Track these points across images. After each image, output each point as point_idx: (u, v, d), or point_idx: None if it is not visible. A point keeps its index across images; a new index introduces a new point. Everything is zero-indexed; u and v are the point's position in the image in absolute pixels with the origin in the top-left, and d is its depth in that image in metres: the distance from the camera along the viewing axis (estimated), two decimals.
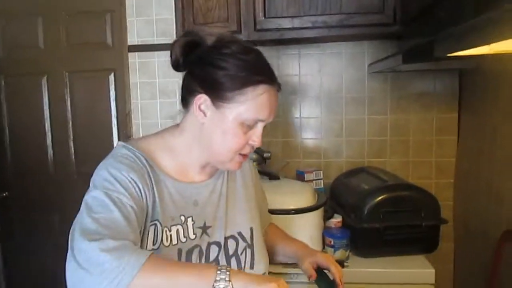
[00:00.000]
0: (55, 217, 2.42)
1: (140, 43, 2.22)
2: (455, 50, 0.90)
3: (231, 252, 0.99)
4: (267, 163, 2.00)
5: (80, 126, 2.37)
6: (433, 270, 1.58)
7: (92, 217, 0.81)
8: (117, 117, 2.32)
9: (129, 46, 2.23)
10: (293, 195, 1.63)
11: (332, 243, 1.62)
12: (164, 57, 2.21)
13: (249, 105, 0.89)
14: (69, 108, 2.37)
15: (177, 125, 1.01)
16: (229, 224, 1.01)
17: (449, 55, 0.96)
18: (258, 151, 1.98)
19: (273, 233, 1.26)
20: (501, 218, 1.62)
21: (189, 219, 0.96)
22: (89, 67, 2.31)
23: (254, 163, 1.90)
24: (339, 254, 1.62)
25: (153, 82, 2.24)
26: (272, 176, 1.78)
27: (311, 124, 2.16)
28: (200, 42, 0.94)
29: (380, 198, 1.63)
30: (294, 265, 1.58)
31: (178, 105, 1.03)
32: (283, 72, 2.14)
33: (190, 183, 0.99)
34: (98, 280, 0.73)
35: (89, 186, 0.92)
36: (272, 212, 1.54)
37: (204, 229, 0.97)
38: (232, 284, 0.76)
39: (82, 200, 0.89)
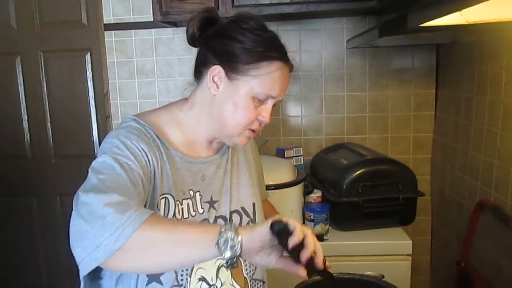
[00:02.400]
0: (33, 201, 2.39)
1: (116, 21, 2.17)
2: (427, 19, 0.91)
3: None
4: None
5: (57, 107, 2.33)
6: (410, 241, 1.62)
7: (98, 178, 0.80)
8: (95, 98, 2.29)
9: (105, 24, 2.18)
10: (272, 171, 1.64)
11: (311, 217, 1.64)
12: (141, 35, 2.17)
13: (263, 80, 0.90)
14: (45, 89, 2.32)
15: (186, 99, 1.02)
16: (233, 199, 1.03)
17: (422, 25, 0.96)
18: None
19: (266, 208, 1.26)
20: (476, 189, 1.66)
21: (197, 194, 0.98)
22: (65, 47, 2.26)
23: None
24: (319, 228, 1.64)
25: (131, 61, 2.20)
26: None
27: (291, 102, 2.17)
28: (218, 18, 0.97)
29: (358, 172, 1.66)
30: None
31: (186, 80, 1.04)
32: None
33: (197, 158, 1.00)
34: (100, 232, 0.71)
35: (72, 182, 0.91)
36: None
37: (212, 203, 0.99)
38: (239, 236, 0.71)
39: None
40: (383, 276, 1.58)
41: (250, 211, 1.05)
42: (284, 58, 0.94)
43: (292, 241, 0.71)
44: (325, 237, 1.63)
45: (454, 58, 1.91)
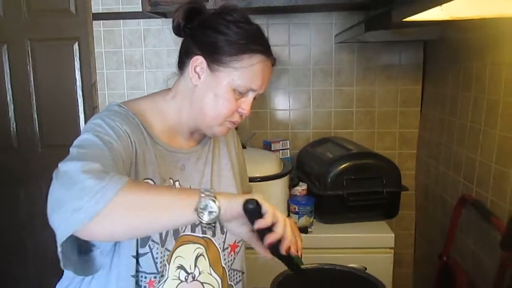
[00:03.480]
0: (20, 191, 2.38)
1: (104, 11, 2.15)
2: (410, 14, 0.92)
3: None
4: None
5: (44, 97, 2.31)
6: (393, 235, 1.64)
7: (78, 152, 0.78)
8: (82, 88, 2.27)
9: (93, 13, 2.16)
10: (258, 163, 1.65)
11: (296, 210, 1.66)
12: (130, 25, 2.16)
13: (244, 72, 0.91)
14: (31, 78, 2.29)
15: (169, 89, 1.02)
16: (213, 188, 1.03)
17: (405, 20, 0.98)
18: None
19: None
20: (458, 185, 1.69)
21: (177, 183, 0.99)
22: (52, 35, 2.24)
23: None
24: (303, 220, 1.66)
25: (119, 51, 2.19)
26: None
27: (279, 95, 2.17)
28: (202, 9, 0.98)
29: (343, 166, 1.67)
30: None
31: (167, 72, 1.06)
32: None
33: (179, 148, 1.01)
34: (79, 195, 0.69)
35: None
36: None
37: None
38: (217, 200, 0.73)
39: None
40: (366, 269, 1.60)
41: None
42: (267, 51, 0.94)
43: (258, 223, 0.74)
44: (309, 230, 1.65)
45: (440, 55, 1.93)
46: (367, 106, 2.14)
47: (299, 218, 1.65)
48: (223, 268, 1.03)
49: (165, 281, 0.95)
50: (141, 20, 2.14)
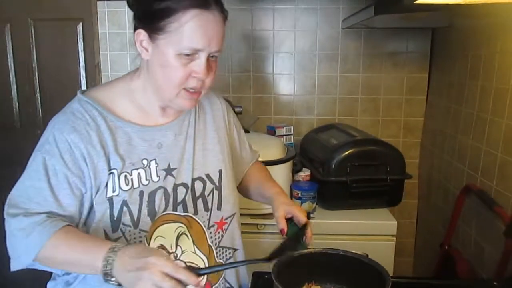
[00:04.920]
0: (20, 171, 2.37)
1: None
2: None
3: (197, 193, 0.99)
4: (238, 118, 1.99)
5: (46, 77, 2.29)
6: (395, 222, 1.63)
7: (22, 186, 0.92)
8: (85, 69, 2.25)
9: None
10: (262, 148, 1.62)
11: (299, 195, 1.65)
12: None
13: (180, 33, 0.86)
14: (34, 58, 2.27)
15: (137, 68, 1.00)
16: (196, 166, 1.01)
17: (417, 2, 0.96)
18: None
19: (255, 173, 1.23)
20: (462, 174, 1.68)
21: (153, 162, 0.96)
22: (56, 15, 2.21)
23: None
24: (306, 206, 1.65)
25: (123, 32, 2.16)
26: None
27: (284, 81, 2.15)
28: None
29: (347, 152, 1.66)
30: (263, 216, 1.62)
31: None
32: (256, 27, 2.11)
33: (152, 126, 0.98)
34: (11, 254, 0.89)
35: None
36: None
37: (169, 171, 0.97)
38: (114, 272, 0.79)
39: None
40: (367, 255, 1.60)
41: (216, 178, 1.03)
42: (200, 3, 0.86)
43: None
44: (311, 215, 1.64)
45: (449, 43, 1.91)
46: (373, 93, 2.12)
47: (301, 203, 1.65)
48: (210, 246, 1.01)
49: None
50: None
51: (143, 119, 0.98)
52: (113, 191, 0.92)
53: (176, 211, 0.96)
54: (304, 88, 2.15)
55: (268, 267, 1.07)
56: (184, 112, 1.03)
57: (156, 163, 0.96)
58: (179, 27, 0.86)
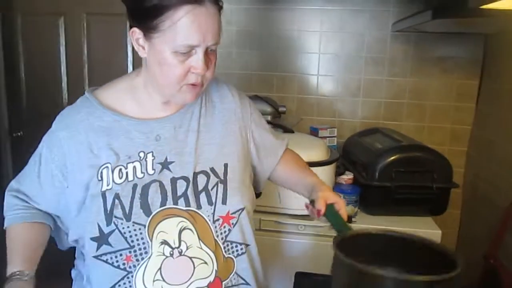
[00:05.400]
0: None
1: None
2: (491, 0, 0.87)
3: (200, 187, 0.97)
4: (281, 118, 2.00)
5: (95, 71, 2.37)
6: (440, 231, 1.60)
7: (23, 176, 1.05)
8: (133, 65, 2.31)
9: None
10: (306, 149, 1.63)
11: (341, 198, 1.63)
12: None
13: (174, 31, 0.85)
14: (85, 52, 2.35)
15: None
16: (200, 160, 0.98)
17: (483, 6, 0.93)
18: (273, 104, 1.97)
19: (291, 162, 1.17)
20: (511, 186, 1.62)
21: (149, 155, 0.96)
22: (108, 10, 2.28)
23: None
24: (348, 209, 1.62)
25: None
26: (286, 130, 1.78)
27: (328, 82, 2.14)
28: None
29: (393, 157, 1.63)
30: (302, 217, 1.62)
31: None
32: (303, 28, 2.10)
33: (152, 119, 0.98)
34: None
35: None
36: None
37: (165, 164, 0.96)
38: None
39: None
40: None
41: (221, 172, 1.00)
42: None
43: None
44: (353, 219, 1.63)
45: (502, 49, 1.84)
46: (419, 98, 2.08)
47: None
48: (216, 240, 0.97)
49: (149, 257, 0.92)
50: None
51: (144, 113, 0.98)
52: (107, 185, 0.93)
53: (177, 205, 0.94)
54: (349, 90, 2.13)
55: (308, 267, 1.07)
56: (188, 105, 1.02)
57: (153, 155, 0.96)
58: (172, 24, 0.85)
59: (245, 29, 2.14)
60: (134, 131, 0.96)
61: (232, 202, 0.98)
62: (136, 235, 0.92)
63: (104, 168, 0.94)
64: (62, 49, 2.37)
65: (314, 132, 2.01)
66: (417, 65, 2.05)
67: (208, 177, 0.98)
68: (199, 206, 0.95)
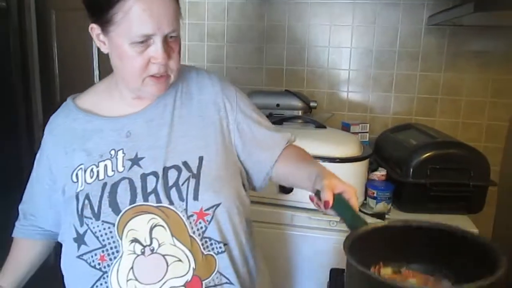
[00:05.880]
0: None
1: None
2: None
3: (171, 182, 0.92)
4: (312, 113, 1.99)
5: None
6: (477, 231, 1.55)
7: (25, 192, 1.11)
8: None
9: None
10: (339, 144, 1.61)
11: (375, 194, 1.61)
12: None
13: (128, 22, 0.84)
14: None
15: None
16: (172, 154, 0.94)
17: None
18: (304, 99, 1.96)
19: (291, 155, 1.05)
20: None
21: (120, 152, 0.95)
22: None
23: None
24: (381, 206, 1.62)
25: (202, 23, 2.21)
26: (318, 125, 1.76)
27: (360, 77, 2.11)
28: None
29: (428, 154, 1.60)
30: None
31: None
32: (334, 22, 2.07)
33: (123, 116, 0.98)
34: None
35: None
36: (318, 159, 1.55)
37: (135, 160, 0.94)
38: None
39: None
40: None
41: (194, 166, 0.94)
42: None
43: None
44: (386, 216, 1.60)
45: None
46: (454, 94, 2.02)
47: (376, 203, 1.61)
48: (191, 237, 0.91)
49: (121, 256, 0.90)
50: None
51: (117, 111, 0.99)
52: (81, 186, 0.94)
53: (148, 201, 0.91)
54: (381, 85, 2.09)
55: (343, 263, 1.04)
56: (160, 98, 0.99)
57: (123, 152, 0.94)
58: (124, 15, 0.84)
59: (277, 24, 2.12)
60: (106, 129, 0.96)
61: (205, 197, 0.92)
62: (106, 234, 0.90)
63: (78, 169, 0.95)
64: (94, 46, 2.41)
65: (346, 127, 1.99)
66: (452, 60, 2.00)
67: (180, 171, 0.93)
68: (171, 202, 0.91)
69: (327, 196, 0.82)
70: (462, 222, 1.61)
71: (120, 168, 0.93)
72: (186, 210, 0.91)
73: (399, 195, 1.64)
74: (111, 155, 0.94)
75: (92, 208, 0.91)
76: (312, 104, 1.95)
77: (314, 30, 2.10)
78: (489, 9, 1.19)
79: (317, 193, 0.86)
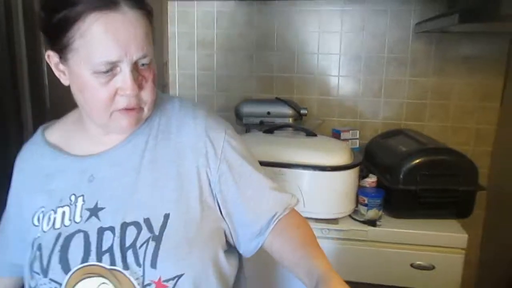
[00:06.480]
0: None
1: None
2: None
3: (128, 242, 0.77)
4: (303, 120, 2.00)
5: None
6: (466, 235, 1.58)
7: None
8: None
9: None
10: (330, 152, 1.63)
11: (365, 201, 1.63)
12: (205, 7, 2.17)
13: (88, 47, 0.71)
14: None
15: None
16: (133, 207, 0.79)
17: None
18: (294, 107, 1.97)
19: (292, 233, 0.85)
20: None
21: (80, 199, 0.81)
22: None
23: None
24: (372, 213, 1.63)
25: (191, 32, 2.21)
26: (309, 133, 1.77)
27: (349, 83, 2.13)
28: None
29: (418, 160, 1.62)
30: (327, 221, 1.62)
31: None
32: (323, 29, 2.09)
33: (89, 155, 0.84)
34: None
35: None
36: (309, 168, 1.56)
37: (94, 211, 0.79)
38: None
39: None
40: (434, 267, 1.57)
41: (157, 225, 0.77)
42: (100, 4, 0.70)
43: None
44: (378, 223, 1.62)
45: None
46: (442, 98, 2.05)
47: (368, 210, 1.63)
48: None
49: None
50: (215, 1, 2.15)
51: (84, 148, 0.85)
52: (37, 233, 0.82)
53: (101, 262, 0.76)
54: (370, 91, 2.11)
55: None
56: (131, 137, 0.84)
57: (83, 200, 0.80)
58: (82, 39, 0.71)
59: (265, 31, 2.13)
60: (69, 170, 0.83)
61: (164, 266, 0.76)
62: None
63: (40, 213, 0.83)
64: None
65: (336, 134, 2.00)
66: (440, 65, 2.02)
67: (139, 230, 0.77)
68: (125, 266, 0.75)
69: None
70: (452, 227, 1.64)
71: (77, 218, 0.79)
72: (142, 277, 0.75)
73: (390, 202, 1.66)
74: (71, 201, 0.81)
75: (41, 261, 0.78)
76: (302, 111, 1.96)
77: (303, 37, 2.11)
78: (474, 21, 1.21)
79: None
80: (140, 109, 0.79)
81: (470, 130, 2.05)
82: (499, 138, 2.01)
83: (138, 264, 0.75)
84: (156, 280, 0.75)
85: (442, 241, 1.59)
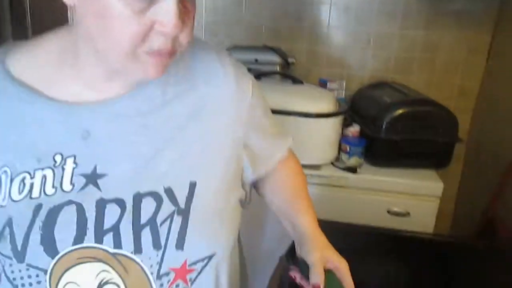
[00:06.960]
0: None
1: None
2: None
3: (144, 218, 0.61)
4: (290, 69, 2.00)
5: None
6: (442, 184, 1.64)
7: None
8: None
9: None
10: (315, 100, 1.65)
11: (348, 149, 1.67)
12: None
13: None
14: None
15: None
16: (151, 174, 0.63)
17: None
18: (282, 55, 1.96)
19: (284, 183, 0.84)
20: None
21: (69, 161, 0.61)
22: None
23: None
24: (353, 161, 1.68)
25: None
26: (296, 80, 1.78)
27: (339, 34, 2.11)
28: None
29: (400, 111, 1.65)
30: (306, 167, 1.65)
31: None
32: None
33: (81, 103, 0.62)
34: None
35: None
36: (294, 114, 1.59)
37: (92, 177, 0.61)
38: None
39: None
40: (409, 214, 1.64)
41: (182, 195, 0.63)
42: None
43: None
44: (358, 170, 1.67)
45: None
46: (430, 52, 2.06)
47: (349, 157, 1.67)
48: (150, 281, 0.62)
49: None
50: None
51: (74, 93, 0.62)
52: (2, 200, 0.60)
53: (101, 243, 0.60)
54: (359, 43, 2.10)
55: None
56: (141, 86, 0.64)
57: (74, 162, 0.61)
58: None
59: None
60: (49, 119, 0.61)
61: (193, 246, 0.63)
62: (31, 284, 0.60)
63: (1, 173, 0.60)
64: None
65: (323, 84, 2.01)
66: (432, 18, 2.01)
67: (160, 202, 0.62)
68: (138, 249, 0.60)
69: (318, 279, 0.66)
70: (429, 177, 1.70)
71: (67, 186, 0.60)
72: (159, 264, 0.61)
73: (371, 151, 1.71)
74: (55, 162, 0.60)
75: (13, 242, 0.59)
76: (290, 60, 1.96)
77: None
78: None
79: (301, 265, 0.71)
80: (173, 53, 0.57)
81: (454, 85, 2.08)
82: (482, 93, 2.05)
83: (158, 246, 0.61)
84: (179, 267, 0.63)
85: (419, 189, 1.65)
